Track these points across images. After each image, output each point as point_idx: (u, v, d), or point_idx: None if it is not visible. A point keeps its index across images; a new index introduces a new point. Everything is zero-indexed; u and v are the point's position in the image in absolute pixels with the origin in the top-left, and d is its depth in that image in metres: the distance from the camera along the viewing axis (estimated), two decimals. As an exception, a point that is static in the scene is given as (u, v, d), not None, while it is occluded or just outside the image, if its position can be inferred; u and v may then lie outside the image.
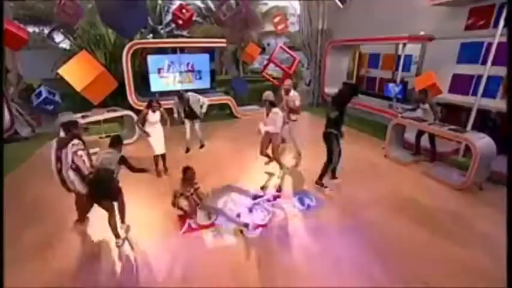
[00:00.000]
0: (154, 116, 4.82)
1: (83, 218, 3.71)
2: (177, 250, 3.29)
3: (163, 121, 4.96)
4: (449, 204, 4.20)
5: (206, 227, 3.67)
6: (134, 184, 4.07)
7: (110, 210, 3.29)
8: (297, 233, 3.61)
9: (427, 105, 5.29)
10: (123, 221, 3.55)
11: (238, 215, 3.89)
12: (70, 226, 3.69)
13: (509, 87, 3.67)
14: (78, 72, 5.71)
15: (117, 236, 3.30)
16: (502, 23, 4.83)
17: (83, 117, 5.87)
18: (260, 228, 3.65)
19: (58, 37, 9.91)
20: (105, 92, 5.94)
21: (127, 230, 3.55)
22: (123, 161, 3.40)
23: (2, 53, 5.87)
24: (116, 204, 3.41)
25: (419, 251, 3.25)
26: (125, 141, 6.28)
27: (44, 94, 5.88)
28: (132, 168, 3.49)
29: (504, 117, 5.35)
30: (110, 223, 3.25)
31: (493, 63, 5.01)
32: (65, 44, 9.89)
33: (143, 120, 4.82)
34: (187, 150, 6.20)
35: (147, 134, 4.86)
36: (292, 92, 5.49)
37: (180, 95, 5.58)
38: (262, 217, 3.87)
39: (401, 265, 3.03)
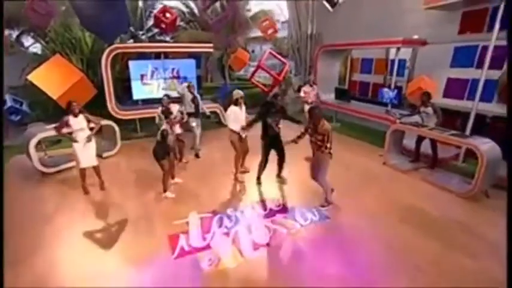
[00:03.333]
0: (77, 122, 4.16)
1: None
2: (169, 278, 2.83)
3: (92, 129, 4.34)
4: (455, 213, 4.01)
5: (201, 249, 3.24)
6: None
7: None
8: (302, 251, 3.26)
9: (429, 109, 5.10)
10: (173, 178, 4.72)
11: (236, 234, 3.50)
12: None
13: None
14: (53, 78, 5.15)
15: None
16: (497, 26, 4.79)
17: (55, 128, 5.25)
18: (261, 249, 3.26)
19: (27, 41, 9.09)
20: (83, 100, 5.39)
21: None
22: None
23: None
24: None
25: (430, 263, 3.02)
26: (105, 154, 5.85)
27: (9, 103, 5.23)
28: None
29: (502, 121, 5.30)
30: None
31: (488, 67, 4.96)
32: (36, 49, 9.12)
33: (61, 127, 4.16)
34: (197, 155, 6.00)
35: (74, 139, 4.22)
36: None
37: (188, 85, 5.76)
38: (262, 236, 3.49)
39: (411, 278, 2.81)
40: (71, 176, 5.21)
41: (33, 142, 5.02)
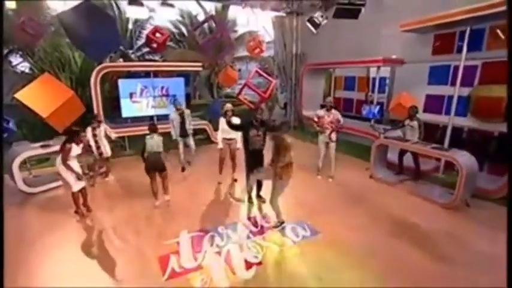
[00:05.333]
0: (77, 150, 4.15)
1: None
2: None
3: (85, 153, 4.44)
4: (442, 224, 4.15)
5: (193, 270, 3.20)
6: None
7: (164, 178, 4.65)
8: (296, 268, 3.25)
9: (415, 122, 5.38)
10: (166, 193, 4.72)
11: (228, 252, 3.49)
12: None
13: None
14: (43, 97, 5.11)
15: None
16: (465, 48, 5.23)
17: (42, 146, 5.17)
18: (254, 267, 3.24)
19: (16, 60, 9.04)
20: (71, 119, 5.34)
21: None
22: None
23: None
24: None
25: (425, 277, 3.09)
26: (92, 173, 5.74)
27: (-5, 121, 5.11)
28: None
29: (477, 134, 5.66)
30: (163, 186, 4.70)
31: (460, 84, 5.38)
32: (24, 67, 9.06)
33: (66, 156, 4.00)
34: (183, 169, 6.20)
35: (78, 174, 4.15)
36: (333, 110, 5.56)
37: (175, 103, 6.08)
38: (255, 254, 3.49)
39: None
40: (56, 196, 5.08)
41: (17, 161, 4.91)
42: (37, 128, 6.80)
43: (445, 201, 4.61)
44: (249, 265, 3.27)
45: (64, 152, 4.01)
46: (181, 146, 6.18)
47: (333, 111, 5.51)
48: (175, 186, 5.41)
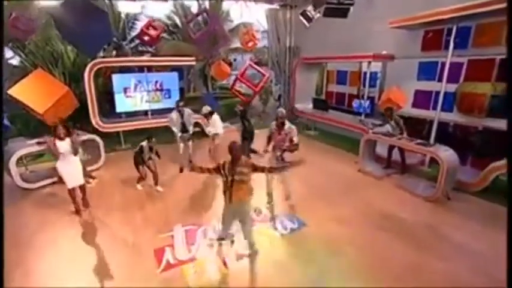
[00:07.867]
0: (63, 145, 4.13)
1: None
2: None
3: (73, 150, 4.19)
4: (424, 217, 4.35)
5: (186, 262, 3.39)
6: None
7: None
8: (284, 260, 3.45)
9: (393, 122, 5.62)
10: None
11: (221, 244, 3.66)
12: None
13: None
14: (37, 93, 5.17)
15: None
16: (452, 45, 5.35)
17: (38, 143, 5.25)
18: (245, 259, 3.43)
19: (7, 53, 8.88)
20: (65, 113, 5.43)
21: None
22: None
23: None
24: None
25: (404, 268, 3.27)
26: (90, 168, 5.87)
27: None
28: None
29: (461, 128, 5.86)
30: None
31: (447, 81, 5.51)
32: (15, 61, 8.95)
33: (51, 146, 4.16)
34: (181, 170, 6.01)
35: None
36: (288, 125, 4.34)
37: (178, 107, 5.83)
38: (245, 246, 3.68)
39: (387, 284, 3.03)
40: (54, 191, 5.21)
41: (14, 159, 4.99)
42: (32, 123, 6.84)
43: (427, 194, 4.83)
44: (239, 257, 3.46)
45: (51, 146, 4.15)
46: (182, 145, 5.96)
47: (286, 127, 4.29)
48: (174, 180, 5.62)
